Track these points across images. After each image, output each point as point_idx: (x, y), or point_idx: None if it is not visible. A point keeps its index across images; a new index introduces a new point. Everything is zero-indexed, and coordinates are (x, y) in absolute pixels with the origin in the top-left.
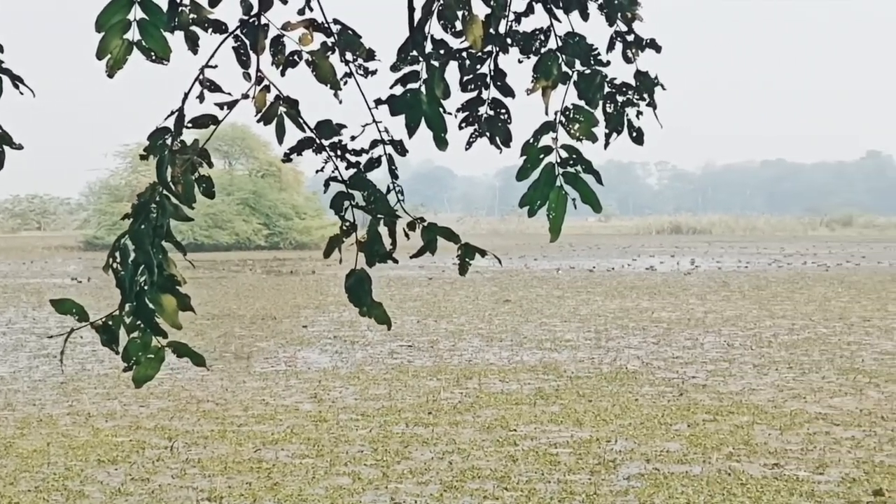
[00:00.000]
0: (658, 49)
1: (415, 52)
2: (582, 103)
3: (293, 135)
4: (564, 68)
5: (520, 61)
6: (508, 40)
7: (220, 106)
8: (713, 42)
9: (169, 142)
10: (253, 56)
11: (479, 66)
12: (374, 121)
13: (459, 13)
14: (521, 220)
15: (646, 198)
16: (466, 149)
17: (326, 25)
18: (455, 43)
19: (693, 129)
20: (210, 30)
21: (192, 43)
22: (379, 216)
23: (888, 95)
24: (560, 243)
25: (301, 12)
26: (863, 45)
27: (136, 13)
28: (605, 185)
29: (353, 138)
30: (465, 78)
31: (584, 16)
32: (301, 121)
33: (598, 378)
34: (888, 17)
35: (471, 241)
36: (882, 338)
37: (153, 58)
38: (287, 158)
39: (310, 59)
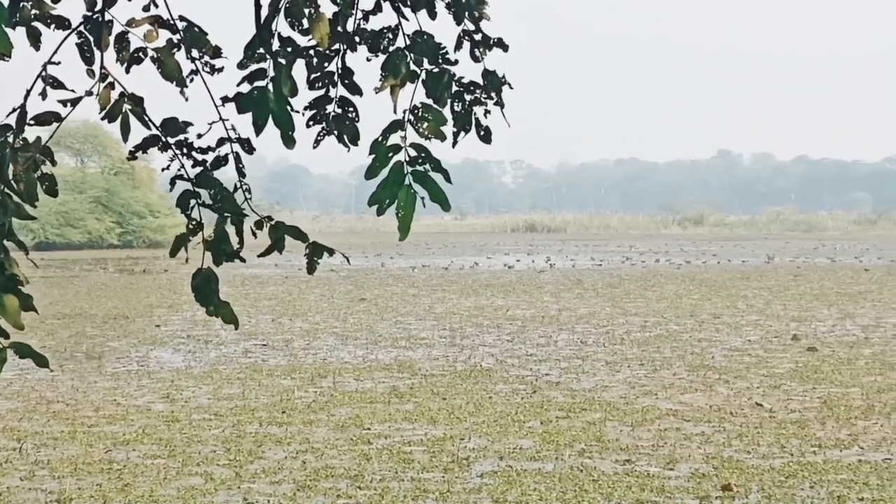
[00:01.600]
0: (505, 48)
1: (262, 50)
2: (430, 102)
3: (139, 132)
4: (413, 67)
5: (368, 59)
6: (356, 38)
7: (64, 103)
8: (565, 43)
9: (10, 139)
10: (97, 52)
11: (326, 64)
12: (220, 119)
13: (306, 10)
14: (377, 219)
15: (501, 196)
16: (314, 147)
17: (172, 22)
18: (302, 41)
19: (548, 128)
20: (53, 26)
21: (35, 39)
22: (226, 215)
23: (738, 95)
24: (416, 241)
25: (146, 9)
26: (715, 46)
27: None
28: (461, 184)
29: (199, 136)
30: (313, 76)
31: (432, 14)
32: (146, 118)
33: (453, 376)
34: (740, 17)
35: (327, 239)
36: (731, 334)
37: None
38: (132, 156)
39: (155, 55)
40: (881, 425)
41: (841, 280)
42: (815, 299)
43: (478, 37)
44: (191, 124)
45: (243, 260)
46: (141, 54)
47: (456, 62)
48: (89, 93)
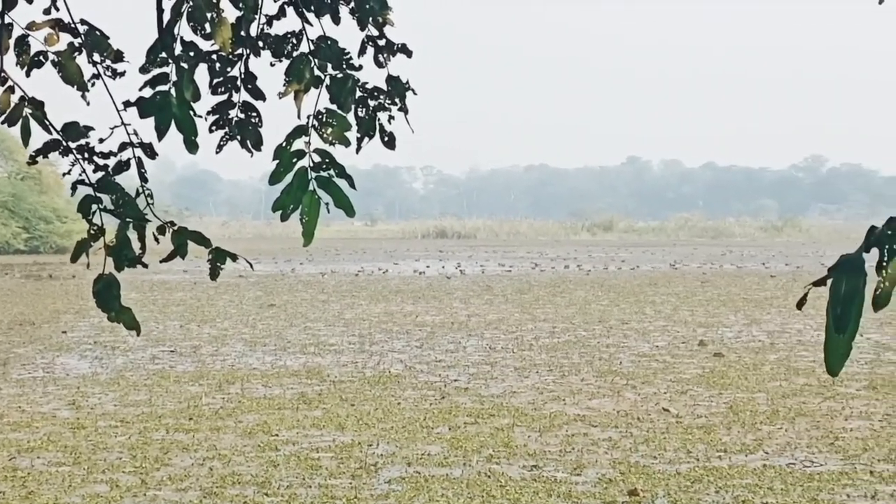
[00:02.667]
0: (409, 54)
1: (164, 54)
2: (334, 107)
3: (41, 136)
4: (317, 72)
5: (271, 64)
6: (260, 43)
7: None
8: (476, 54)
9: None
10: None
11: (229, 69)
12: (122, 123)
13: (209, 15)
14: (286, 224)
15: (412, 202)
16: (217, 152)
17: (73, 26)
18: (205, 45)
19: (458, 135)
20: None
21: None
22: (128, 220)
23: (647, 102)
24: (326, 247)
25: (47, 12)
26: (622, 55)
27: None
28: (372, 190)
29: (101, 141)
30: (216, 81)
31: (336, 20)
32: (47, 122)
33: (362, 382)
34: (646, 33)
35: (236, 245)
36: (639, 340)
37: None
38: (33, 161)
39: (56, 59)
40: (785, 430)
41: (747, 286)
42: (722, 305)
43: (381, 42)
44: (92, 129)
45: (145, 265)
46: (42, 58)
47: (360, 67)
48: None
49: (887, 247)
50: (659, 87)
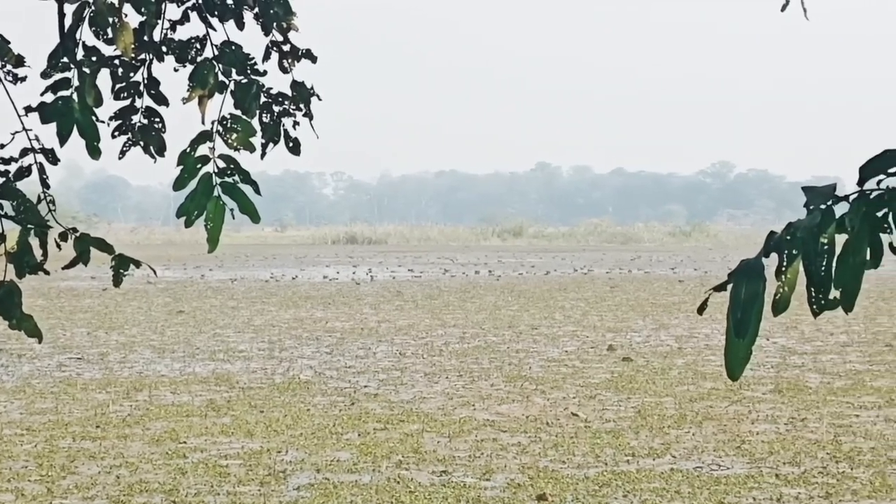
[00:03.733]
0: (314, 59)
1: (66, 59)
2: (239, 113)
3: None
4: (221, 77)
5: (175, 70)
6: (163, 48)
7: None
8: (384, 61)
9: None
10: None
11: (132, 74)
12: (24, 129)
13: (111, 20)
14: (196, 230)
15: (322, 208)
16: (120, 158)
17: None
18: (107, 50)
19: (368, 141)
20: None
21: None
22: (29, 226)
23: (556, 109)
24: (236, 254)
25: None
26: (529, 63)
27: None
28: (282, 196)
29: (1, 146)
30: (118, 86)
31: (240, 25)
32: None
33: (271, 388)
34: (551, 38)
35: (145, 251)
36: (549, 345)
37: None
38: None
39: None
40: (693, 434)
41: (656, 291)
42: (631, 310)
43: (286, 48)
44: None
45: (47, 272)
46: None
47: (264, 73)
48: None
49: (786, 252)
50: (568, 95)
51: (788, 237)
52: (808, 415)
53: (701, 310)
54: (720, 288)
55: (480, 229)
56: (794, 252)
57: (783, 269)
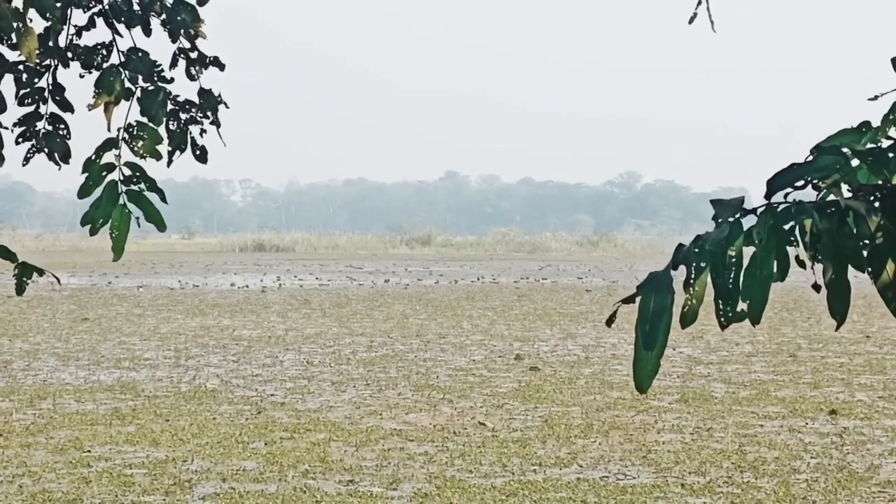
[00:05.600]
0: (221, 67)
1: None
2: (145, 120)
3: None
4: (128, 84)
5: (81, 76)
6: (69, 54)
7: None
8: (289, 63)
9: None
10: None
11: (36, 80)
12: None
13: (15, 24)
14: (102, 238)
15: (230, 215)
16: (24, 164)
17: None
18: (12, 55)
19: (275, 148)
20: None
21: None
22: None
23: (464, 117)
24: (143, 261)
25: None
26: (438, 71)
27: None
28: (189, 202)
29: None
30: (23, 92)
31: (147, 31)
32: None
33: (177, 397)
34: (457, 47)
35: (50, 257)
36: (456, 354)
37: None
38: None
39: None
40: (599, 443)
41: (563, 301)
42: (539, 319)
43: (194, 55)
44: None
45: None
46: None
47: (171, 80)
48: None
49: (694, 264)
50: (476, 104)
51: (697, 250)
52: (713, 424)
53: (609, 322)
54: (629, 300)
55: (388, 238)
56: (702, 265)
57: (691, 281)
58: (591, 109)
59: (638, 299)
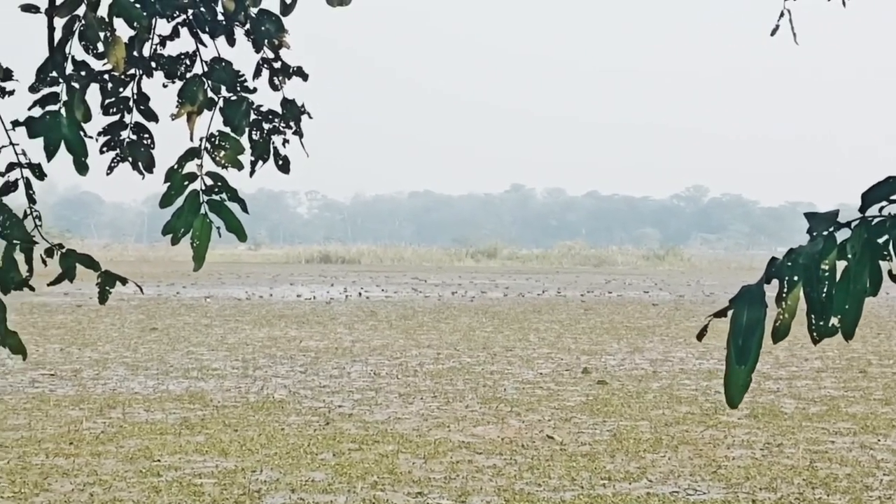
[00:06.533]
0: (305, 77)
1: (55, 73)
2: (228, 130)
3: None
4: (210, 94)
5: (164, 85)
6: (153, 64)
7: None
8: (358, 78)
9: None
10: None
11: (121, 90)
12: (11, 143)
13: (102, 34)
14: (169, 248)
15: (296, 226)
16: (108, 173)
17: None
18: (97, 65)
19: (343, 160)
20: None
21: None
22: (15, 242)
23: (531, 130)
24: (209, 271)
25: None
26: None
27: None
28: (256, 214)
29: None
30: (107, 101)
31: (231, 41)
32: None
33: (245, 407)
34: (527, 60)
35: (118, 268)
36: (523, 367)
37: None
38: None
39: None
40: (669, 458)
41: (630, 314)
42: (605, 333)
43: (277, 65)
44: None
45: (32, 288)
46: None
47: (254, 90)
48: None
49: (787, 278)
50: (543, 117)
51: (790, 263)
52: (783, 440)
53: (700, 336)
54: (720, 314)
55: (454, 250)
56: (795, 278)
57: (784, 295)
58: (656, 120)
59: (730, 313)
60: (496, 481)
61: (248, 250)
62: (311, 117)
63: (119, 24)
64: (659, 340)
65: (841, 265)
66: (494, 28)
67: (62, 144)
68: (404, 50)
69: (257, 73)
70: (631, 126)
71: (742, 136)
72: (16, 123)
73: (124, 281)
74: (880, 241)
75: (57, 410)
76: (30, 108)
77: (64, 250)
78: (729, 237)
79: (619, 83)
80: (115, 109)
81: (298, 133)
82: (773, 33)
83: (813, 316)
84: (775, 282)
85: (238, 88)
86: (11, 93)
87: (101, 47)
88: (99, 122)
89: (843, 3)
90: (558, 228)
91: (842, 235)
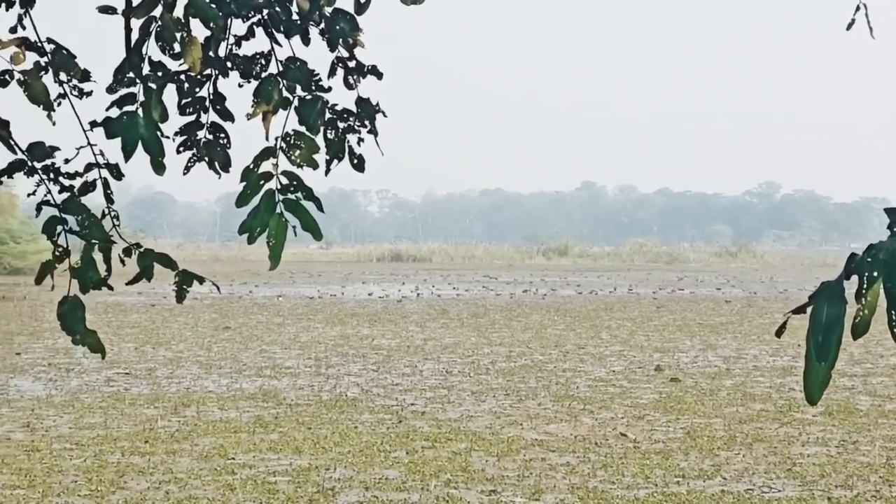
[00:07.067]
0: (380, 76)
1: (132, 74)
2: (303, 129)
3: (4, 156)
4: (285, 93)
5: (240, 85)
6: (228, 64)
7: None
8: (430, 76)
9: None
10: None
11: (197, 90)
12: (89, 144)
13: (178, 35)
14: (242, 247)
15: (367, 225)
16: (185, 173)
17: (40, 44)
18: (173, 65)
19: (413, 158)
20: None
21: None
22: (93, 242)
23: (601, 127)
24: (281, 270)
25: (13, 30)
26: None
27: None
28: (327, 213)
29: (66, 161)
30: (184, 101)
31: (306, 41)
32: (12, 142)
33: (318, 405)
34: (594, 58)
35: (191, 267)
36: (596, 365)
37: None
38: None
39: (22, 78)
40: (743, 455)
41: (702, 311)
42: (678, 330)
43: (352, 64)
44: (58, 149)
45: (111, 288)
46: (7, 77)
47: (329, 89)
48: None
49: (867, 274)
50: (613, 114)
51: (870, 259)
52: (859, 437)
53: (779, 333)
54: (799, 311)
55: (525, 248)
56: (875, 274)
57: (864, 291)
58: (727, 117)
59: (809, 310)
60: (569, 479)
61: (319, 249)
62: (385, 116)
63: (195, 24)
64: (732, 337)
65: None
66: (565, 26)
67: (139, 145)
68: (476, 51)
69: (332, 73)
70: (703, 120)
71: (815, 128)
72: (94, 124)
73: (201, 280)
74: None
75: (132, 409)
76: (107, 109)
77: (142, 250)
78: (802, 233)
79: (691, 78)
80: (191, 109)
81: (373, 132)
82: (848, 27)
83: (893, 312)
84: (854, 278)
85: (313, 88)
86: (89, 94)
87: (177, 48)
88: (175, 122)
89: None
90: (629, 226)
91: None
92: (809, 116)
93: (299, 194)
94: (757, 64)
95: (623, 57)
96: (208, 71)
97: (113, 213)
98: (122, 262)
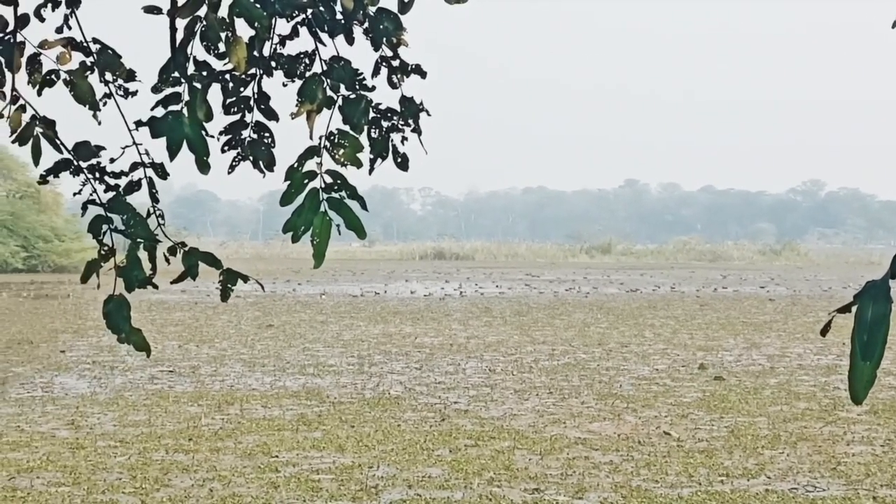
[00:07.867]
0: (423, 75)
1: (177, 74)
2: (347, 128)
3: (51, 156)
4: (329, 92)
5: (284, 85)
6: (273, 63)
7: None
8: (473, 74)
9: None
10: (8, 74)
11: (242, 89)
12: (134, 143)
13: (223, 34)
14: (285, 245)
15: (410, 223)
16: (229, 172)
17: (85, 44)
18: (218, 65)
19: (456, 156)
20: None
21: None
22: (138, 240)
23: (644, 125)
24: (324, 268)
25: (59, 30)
26: (618, 81)
27: None
28: (370, 211)
29: (112, 160)
30: (228, 100)
31: (350, 40)
32: (58, 142)
33: (361, 403)
34: (640, 55)
35: (234, 265)
36: (639, 363)
37: None
38: (43, 180)
39: (68, 78)
40: (787, 455)
41: (746, 310)
42: (722, 329)
43: (395, 63)
44: (103, 148)
45: (156, 286)
46: (53, 76)
47: (373, 88)
48: (0, 115)
49: None
50: (655, 110)
51: None
52: None
53: (824, 332)
54: (844, 310)
55: (568, 246)
56: None
57: None
58: (772, 115)
59: (854, 308)
60: (613, 477)
61: (362, 247)
62: (429, 115)
63: (240, 24)
64: (776, 336)
65: None
66: (609, 14)
67: (184, 144)
68: (518, 50)
69: (376, 72)
70: (747, 118)
71: (861, 128)
72: (139, 124)
73: (246, 278)
74: None
75: (176, 407)
76: (152, 109)
77: (187, 248)
78: (846, 231)
79: (735, 76)
80: (236, 109)
81: (417, 130)
82: (894, 25)
83: None
84: None
85: (357, 87)
86: (135, 93)
87: (222, 47)
88: (220, 121)
89: None
90: (673, 224)
91: None
92: (853, 116)
93: (343, 193)
94: (808, 50)
95: (665, 54)
96: (253, 70)
97: (158, 213)
98: (167, 260)
